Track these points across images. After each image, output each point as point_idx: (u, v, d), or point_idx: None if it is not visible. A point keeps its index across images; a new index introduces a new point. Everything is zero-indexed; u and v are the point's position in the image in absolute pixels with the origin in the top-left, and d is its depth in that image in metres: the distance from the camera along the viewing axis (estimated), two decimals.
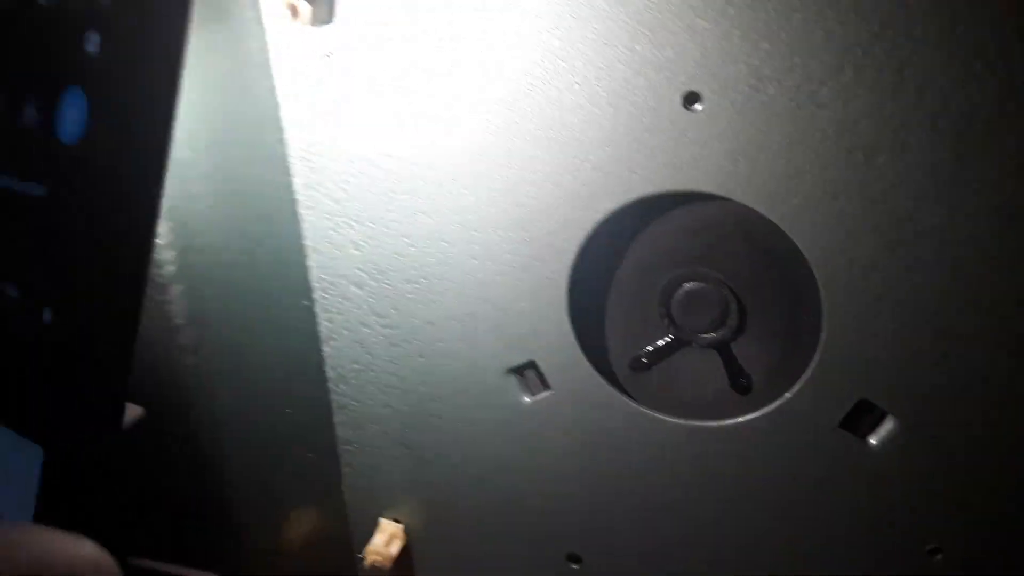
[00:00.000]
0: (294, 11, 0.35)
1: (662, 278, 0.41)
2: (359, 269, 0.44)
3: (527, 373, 0.44)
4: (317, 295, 0.45)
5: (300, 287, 0.44)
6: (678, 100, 0.35)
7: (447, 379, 0.45)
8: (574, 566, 0.48)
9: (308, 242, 0.44)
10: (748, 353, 0.42)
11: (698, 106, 0.35)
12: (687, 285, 0.41)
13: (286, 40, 0.39)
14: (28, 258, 0.30)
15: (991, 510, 0.38)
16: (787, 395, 0.40)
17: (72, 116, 0.29)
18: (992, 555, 0.39)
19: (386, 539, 0.51)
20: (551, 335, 0.42)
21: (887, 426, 0.39)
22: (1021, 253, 0.34)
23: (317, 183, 0.42)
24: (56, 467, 0.30)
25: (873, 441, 0.39)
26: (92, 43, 0.28)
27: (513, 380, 0.44)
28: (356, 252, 0.43)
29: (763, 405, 0.40)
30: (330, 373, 0.47)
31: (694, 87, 0.35)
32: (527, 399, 0.44)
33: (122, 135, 0.27)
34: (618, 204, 0.38)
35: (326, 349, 0.46)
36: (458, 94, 0.38)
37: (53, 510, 0.29)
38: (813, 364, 0.38)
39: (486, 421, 0.45)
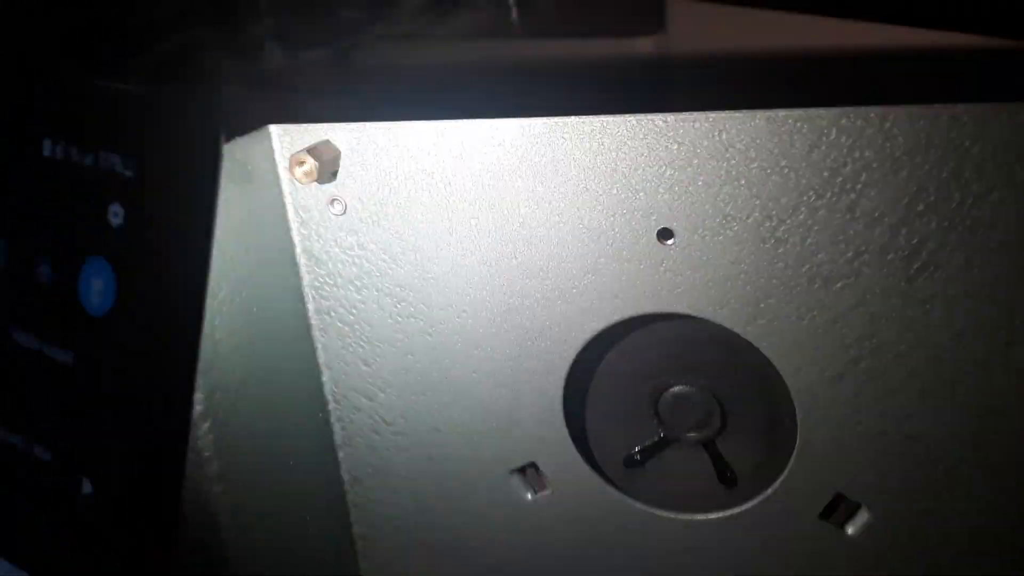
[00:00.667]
0: (302, 166, 0.39)
1: (651, 384, 0.45)
2: (369, 383, 0.47)
3: (529, 473, 0.47)
4: (331, 407, 0.48)
5: (316, 402, 0.48)
6: (653, 235, 0.39)
7: (455, 480, 0.48)
8: None
9: (322, 360, 0.47)
10: (734, 449, 0.45)
11: (671, 240, 0.39)
12: (673, 389, 0.45)
13: (298, 190, 0.43)
14: (60, 423, 0.30)
15: None
16: (768, 490, 0.43)
17: (98, 287, 0.29)
18: None
19: None
20: (549, 439, 0.45)
21: (862, 517, 0.42)
22: (971, 360, 0.37)
23: (329, 309, 0.46)
24: None
25: (850, 531, 0.42)
26: (116, 215, 0.28)
27: (516, 480, 0.47)
28: (366, 368, 0.47)
29: (749, 498, 0.44)
30: (346, 476, 0.50)
31: (667, 224, 0.39)
32: (529, 497, 0.47)
33: (153, 307, 0.27)
34: (604, 325, 0.42)
35: (341, 455, 0.50)
36: (454, 233, 0.42)
37: None
38: (791, 462, 0.42)
39: (492, 518, 0.49)
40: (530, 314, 0.43)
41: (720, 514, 0.44)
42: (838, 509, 0.43)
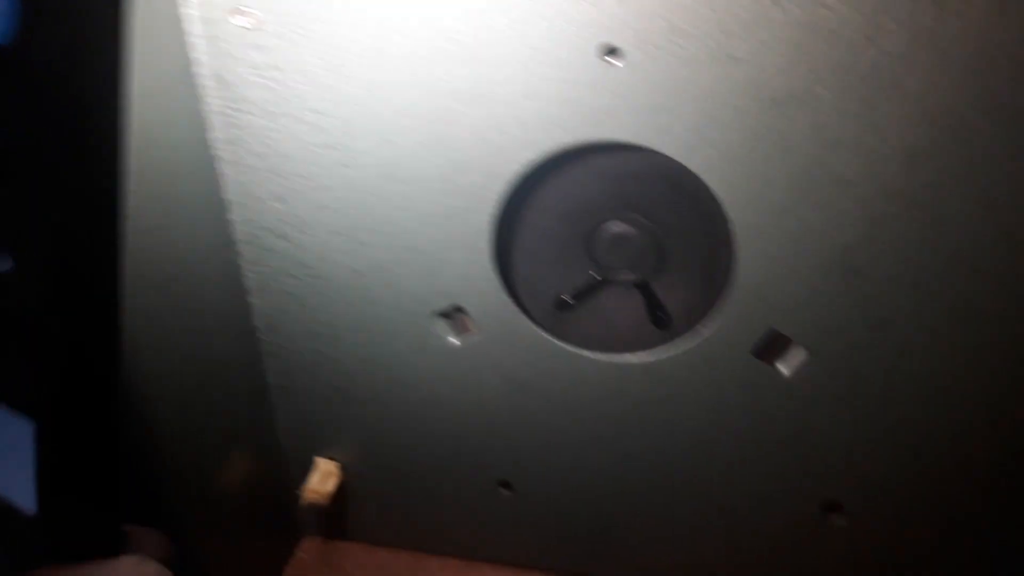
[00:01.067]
0: None
1: (586, 222, 0.43)
2: (282, 222, 0.43)
3: (455, 316, 0.45)
4: (241, 247, 0.44)
5: (223, 242, 0.44)
6: (595, 53, 0.36)
7: (377, 325, 0.46)
8: (505, 492, 0.51)
9: (230, 196, 0.43)
10: (668, 290, 0.44)
11: (617, 59, 0.36)
12: (610, 227, 0.43)
13: None
14: None
15: (888, 429, 0.42)
16: (701, 327, 0.42)
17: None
18: (892, 469, 0.43)
19: (322, 477, 0.52)
20: (477, 281, 0.43)
21: (797, 355, 0.41)
22: (924, 189, 0.36)
23: (237, 138, 0.41)
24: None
25: (784, 369, 0.42)
26: None
27: (442, 323, 0.45)
28: (279, 205, 0.43)
29: (682, 338, 0.43)
30: (258, 323, 0.47)
31: (612, 41, 0.35)
32: (456, 341, 0.45)
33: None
34: (539, 155, 0.39)
35: (253, 300, 0.46)
36: (381, 52, 0.37)
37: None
38: (726, 300, 0.40)
39: (417, 364, 0.46)
40: (459, 143, 0.39)
41: (652, 355, 0.43)
42: (772, 347, 0.42)
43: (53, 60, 0.25)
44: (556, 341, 0.44)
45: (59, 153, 0.25)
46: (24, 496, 0.29)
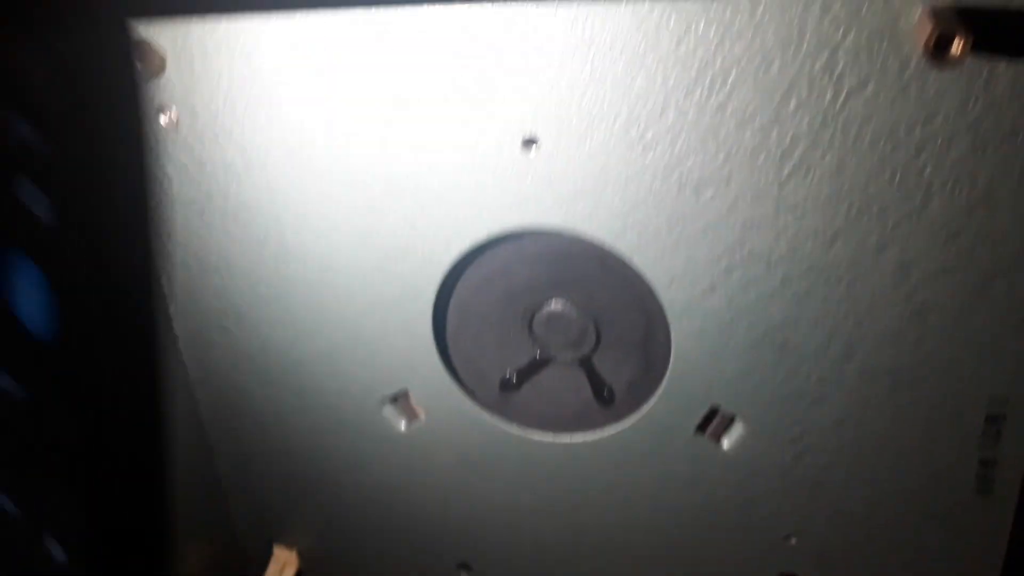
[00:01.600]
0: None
1: (525, 303, 0.43)
2: (222, 317, 0.44)
3: (401, 401, 0.45)
4: (182, 344, 0.45)
5: (168, 339, 0.44)
6: (517, 144, 0.36)
7: (323, 413, 0.46)
8: (464, 574, 0.50)
9: (169, 294, 0.43)
10: (611, 368, 0.44)
11: (536, 148, 0.36)
12: (547, 307, 0.43)
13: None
14: (17, 469, 0.26)
15: (834, 497, 0.42)
16: (644, 407, 0.42)
17: (32, 296, 0.25)
18: (842, 535, 0.43)
19: (279, 567, 0.52)
20: (421, 366, 0.43)
21: (737, 430, 0.41)
22: (843, 266, 0.36)
23: (171, 235, 0.42)
24: None
25: (726, 444, 0.42)
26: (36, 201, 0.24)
27: (389, 409, 0.45)
28: (216, 302, 0.43)
29: (626, 415, 0.43)
30: (205, 416, 0.47)
31: (531, 131, 0.36)
32: (403, 426, 0.45)
33: (106, 323, 0.23)
34: (470, 242, 0.39)
35: (199, 395, 0.46)
36: (303, 147, 0.38)
37: None
38: (666, 377, 0.41)
39: (367, 450, 0.46)
40: (392, 234, 0.40)
41: (597, 433, 0.43)
42: (714, 422, 0.42)
43: None
44: (501, 423, 0.44)
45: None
46: None
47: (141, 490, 0.44)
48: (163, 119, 0.38)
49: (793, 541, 0.43)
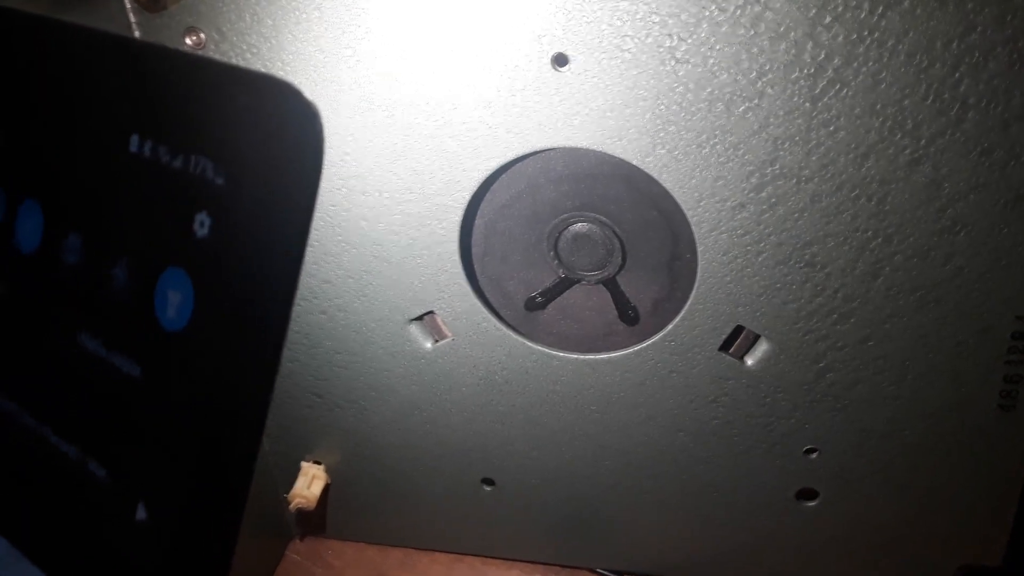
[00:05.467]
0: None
1: (551, 224, 0.43)
2: None
3: (427, 320, 0.46)
4: None
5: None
6: (547, 62, 0.36)
7: (350, 333, 0.46)
8: (488, 488, 0.51)
9: None
10: (636, 288, 0.44)
11: (566, 67, 0.36)
12: (573, 227, 0.43)
13: (147, 20, 0.38)
14: (119, 440, 0.27)
15: (856, 414, 0.42)
16: (669, 326, 0.42)
17: (175, 300, 0.25)
18: (863, 451, 0.44)
19: (308, 481, 0.53)
20: (447, 286, 0.43)
21: (761, 347, 0.42)
22: (874, 182, 0.36)
23: None
24: None
25: (750, 362, 0.42)
26: (202, 225, 0.24)
27: (415, 328, 0.46)
28: None
29: (651, 335, 0.43)
30: None
31: (561, 49, 0.36)
32: (429, 345, 0.46)
33: (233, 326, 0.24)
34: (499, 162, 0.39)
35: None
36: (336, 66, 0.38)
37: None
38: (692, 296, 0.41)
39: (392, 369, 0.47)
40: (420, 154, 0.40)
41: (622, 352, 0.44)
42: (738, 341, 0.42)
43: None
44: (527, 342, 0.45)
45: None
46: None
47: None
48: (190, 40, 0.38)
49: (815, 456, 0.44)
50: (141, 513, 0.26)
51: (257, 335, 0.23)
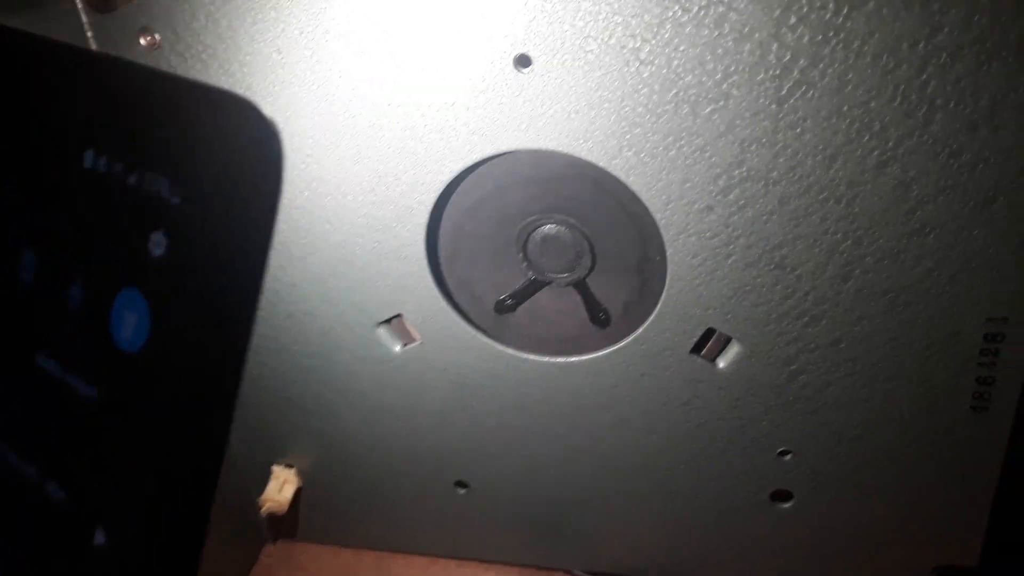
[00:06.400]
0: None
1: (519, 225, 0.42)
2: None
3: (396, 324, 0.45)
4: None
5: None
6: (510, 63, 0.35)
7: (318, 337, 0.46)
8: (461, 491, 0.51)
9: None
10: (606, 289, 0.43)
11: (529, 68, 0.35)
12: (542, 229, 0.42)
13: (100, 20, 0.37)
14: (77, 462, 0.26)
15: (829, 416, 0.42)
16: (640, 329, 0.42)
17: (131, 321, 0.24)
18: (836, 453, 0.43)
19: (279, 485, 0.52)
20: (415, 289, 0.43)
21: (733, 350, 0.41)
22: (843, 184, 0.36)
23: None
24: None
25: (721, 364, 0.42)
26: (158, 245, 0.23)
27: (383, 332, 0.45)
28: None
29: (622, 337, 0.43)
30: None
31: (524, 50, 0.35)
32: (398, 349, 0.45)
33: (191, 348, 0.23)
34: (464, 164, 0.39)
35: None
36: (297, 68, 0.37)
37: None
38: (662, 299, 0.40)
39: (361, 372, 0.46)
40: (384, 156, 0.39)
41: (593, 355, 0.43)
42: (709, 343, 0.42)
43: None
44: (497, 345, 0.44)
45: None
46: None
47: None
48: (144, 41, 0.37)
49: (788, 458, 0.44)
50: (100, 538, 0.25)
51: (216, 357, 0.23)
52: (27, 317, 0.27)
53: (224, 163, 0.22)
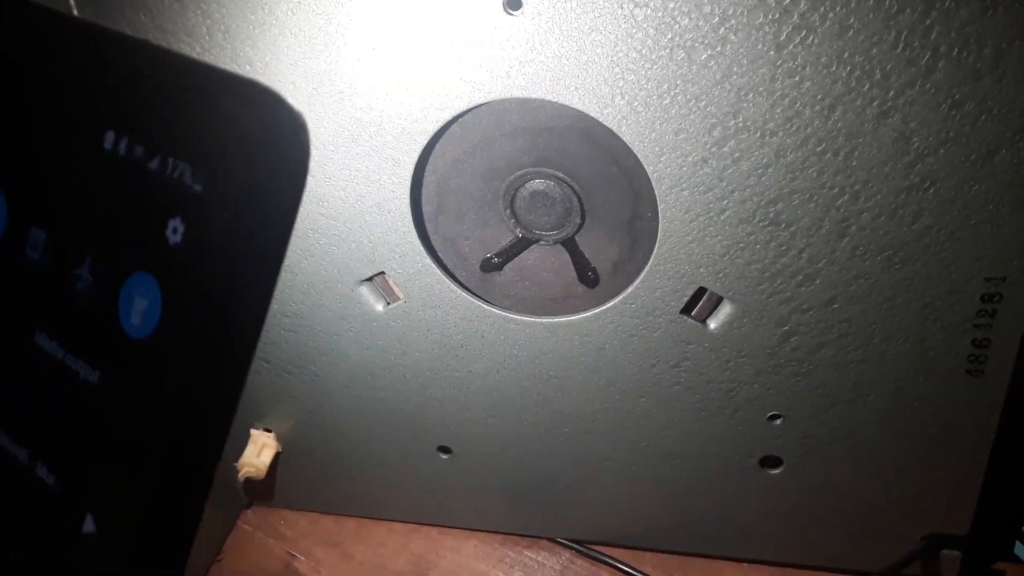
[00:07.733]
0: None
1: (507, 180, 0.41)
2: None
3: (379, 281, 0.44)
4: None
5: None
6: (499, 5, 0.34)
7: (298, 295, 0.44)
8: (444, 456, 0.50)
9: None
10: (594, 247, 0.42)
11: (520, 10, 0.34)
12: (530, 184, 0.41)
13: None
14: (70, 446, 0.26)
15: (821, 378, 0.41)
16: (629, 288, 0.41)
17: (140, 306, 0.24)
18: (828, 417, 0.42)
19: (258, 449, 0.51)
20: (398, 245, 0.42)
21: (724, 310, 0.40)
22: (842, 134, 0.34)
23: None
24: None
25: (712, 325, 0.41)
26: (175, 232, 0.23)
27: (365, 290, 0.44)
28: None
29: (611, 297, 0.41)
30: None
31: None
32: (380, 308, 0.44)
33: (201, 339, 0.23)
34: (450, 113, 0.37)
35: None
36: (277, 11, 0.36)
37: None
38: (652, 256, 0.39)
39: (343, 332, 0.45)
40: (366, 105, 0.38)
41: (581, 315, 0.42)
42: (700, 303, 0.41)
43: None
44: (483, 304, 0.43)
45: None
46: None
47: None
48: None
49: (778, 422, 0.43)
50: (89, 526, 0.25)
51: (226, 350, 0.22)
52: (28, 295, 0.27)
53: (249, 154, 0.21)
